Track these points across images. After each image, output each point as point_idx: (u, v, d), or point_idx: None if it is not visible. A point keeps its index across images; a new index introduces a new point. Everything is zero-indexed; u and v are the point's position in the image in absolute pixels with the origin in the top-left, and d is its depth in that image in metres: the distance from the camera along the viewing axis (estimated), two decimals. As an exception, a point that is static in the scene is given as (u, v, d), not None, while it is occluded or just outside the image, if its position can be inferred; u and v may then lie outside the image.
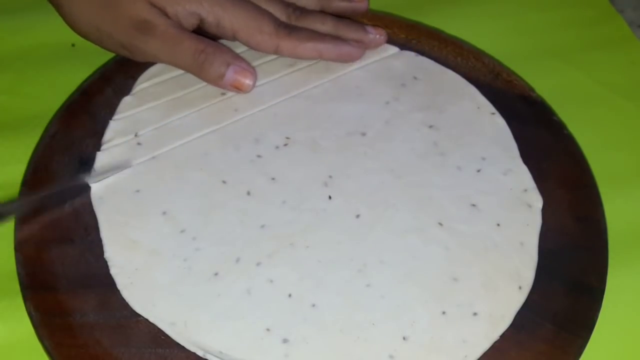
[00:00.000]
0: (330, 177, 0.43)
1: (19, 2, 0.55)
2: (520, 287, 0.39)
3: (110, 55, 0.50)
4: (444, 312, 0.38)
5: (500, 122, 0.46)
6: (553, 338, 0.38)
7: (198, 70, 0.45)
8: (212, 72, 0.45)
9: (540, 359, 0.37)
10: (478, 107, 0.47)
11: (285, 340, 0.37)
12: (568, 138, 0.46)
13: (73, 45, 0.52)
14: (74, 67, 0.50)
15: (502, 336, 0.38)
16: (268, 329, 0.37)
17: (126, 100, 0.46)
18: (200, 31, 0.46)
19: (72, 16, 0.46)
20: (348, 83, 0.47)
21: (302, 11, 0.48)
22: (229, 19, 0.45)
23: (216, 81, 0.45)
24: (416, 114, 0.46)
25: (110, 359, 0.36)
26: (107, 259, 0.39)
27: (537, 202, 0.43)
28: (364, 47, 0.48)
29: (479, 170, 0.44)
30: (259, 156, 0.43)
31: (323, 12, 0.49)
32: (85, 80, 0.48)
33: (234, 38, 0.46)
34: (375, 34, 0.48)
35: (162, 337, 0.37)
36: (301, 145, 0.44)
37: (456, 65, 0.50)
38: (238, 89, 0.45)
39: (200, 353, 0.36)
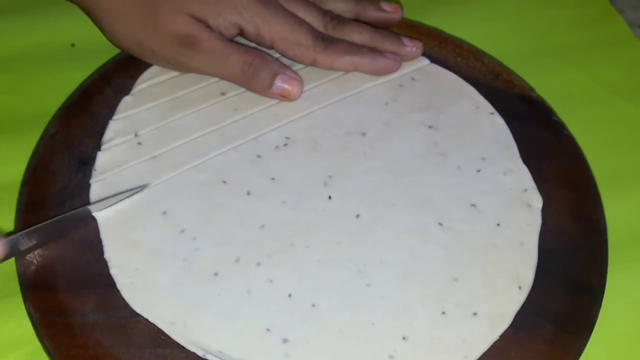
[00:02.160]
0: (330, 177, 0.43)
1: (19, 2, 0.55)
2: (520, 287, 0.39)
3: (110, 55, 0.50)
4: (444, 312, 0.38)
5: (499, 122, 0.46)
6: (553, 338, 0.38)
7: (246, 83, 0.45)
8: (260, 83, 0.45)
9: (540, 359, 0.37)
10: (477, 107, 0.47)
11: (285, 340, 0.37)
12: (568, 138, 0.46)
13: (73, 45, 0.53)
14: (74, 67, 0.50)
15: (502, 336, 0.38)
16: (268, 329, 0.37)
17: (126, 100, 0.46)
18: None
19: (112, 31, 0.46)
20: (347, 83, 0.47)
21: (339, 21, 0.48)
22: (268, 30, 0.45)
23: (264, 91, 0.45)
24: (415, 114, 0.46)
25: (110, 359, 0.36)
26: (107, 259, 0.39)
27: (537, 202, 0.43)
28: (400, 59, 0.48)
29: (478, 170, 0.44)
30: (258, 156, 0.43)
31: (360, 22, 0.49)
32: (85, 80, 0.48)
33: (271, 48, 0.46)
34: (411, 47, 0.48)
35: (162, 337, 0.37)
36: (301, 145, 0.44)
37: (456, 65, 0.50)
38: (285, 97, 0.45)
39: (200, 353, 0.36)
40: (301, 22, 0.46)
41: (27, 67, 0.51)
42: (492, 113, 0.47)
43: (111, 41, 0.47)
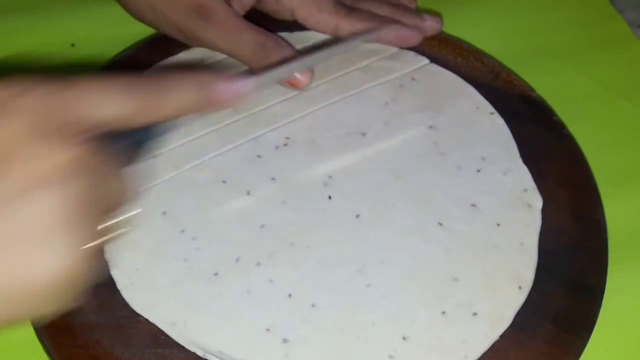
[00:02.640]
0: (330, 177, 0.43)
1: (19, 2, 0.55)
2: (520, 287, 0.39)
3: (110, 55, 0.50)
4: (444, 312, 0.38)
5: (499, 122, 0.46)
6: (553, 338, 0.38)
7: (256, 64, 0.44)
8: (271, 66, 0.43)
9: (540, 359, 0.37)
10: (477, 107, 0.47)
11: (285, 340, 0.37)
12: (568, 138, 0.46)
13: (73, 45, 0.53)
14: (74, 67, 0.50)
15: (502, 336, 0.37)
16: (268, 329, 0.37)
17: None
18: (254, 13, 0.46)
19: (133, 2, 0.45)
20: (347, 83, 0.47)
21: None
22: None
23: None
24: (415, 114, 0.46)
25: (110, 359, 0.36)
26: (107, 259, 0.39)
27: (537, 202, 0.43)
28: (421, 31, 0.48)
29: (479, 170, 0.44)
30: (258, 156, 0.43)
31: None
32: (85, 80, 0.48)
33: (292, 16, 0.45)
34: (432, 21, 0.48)
35: (162, 337, 0.37)
36: (301, 145, 0.44)
37: (456, 65, 0.50)
38: (294, 86, 0.44)
39: (200, 353, 0.36)
40: None
41: (27, 67, 0.51)
42: (492, 113, 0.47)
43: (125, 7, 0.46)
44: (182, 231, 0.40)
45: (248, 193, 0.42)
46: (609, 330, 0.39)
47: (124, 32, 0.51)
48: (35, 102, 0.26)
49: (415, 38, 0.47)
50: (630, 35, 0.56)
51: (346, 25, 0.45)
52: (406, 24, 0.47)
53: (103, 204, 0.28)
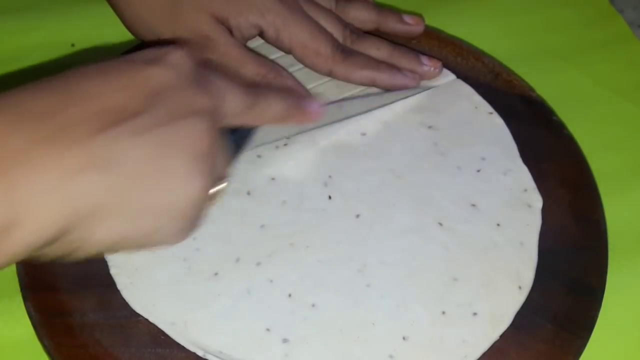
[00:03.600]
0: (330, 177, 0.43)
1: (19, 2, 0.55)
2: (520, 287, 0.39)
3: (110, 55, 0.50)
4: (444, 312, 0.38)
5: (498, 121, 0.46)
6: (553, 338, 0.38)
7: None
8: None
9: (540, 359, 0.37)
10: (475, 107, 0.47)
11: (285, 340, 0.37)
12: (568, 138, 0.46)
13: (73, 45, 0.53)
14: (74, 67, 0.50)
15: (502, 336, 0.38)
16: (268, 329, 0.37)
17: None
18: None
19: (131, 21, 0.46)
20: (347, 83, 0.47)
21: (359, 35, 0.47)
22: (288, 35, 0.45)
23: None
24: (415, 114, 0.46)
25: (110, 359, 0.36)
26: (107, 259, 0.39)
27: (537, 202, 0.43)
28: (418, 77, 0.47)
29: (478, 170, 0.44)
30: (258, 156, 0.43)
31: (379, 37, 0.48)
32: (85, 80, 0.48)
33: (289, 52, 0.46)
34: (429, 66, 0.48)
35: (162, 337, 0.37)
36: (301, 145, 0.44)
37: (456, 65, 0.50)
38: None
39: (200, 353, 0.36)
40: (322, 30, 0.46)
41: (27, 67, 0.51)
42: (491, 113, 0.47)
43: (130, 31, 0.46)
44: (182, 231, 0.40)
45: (248, 193, 0.42)
46: (609, 330, 0.39)
47: (124, 32, 0.51)
48: (179, 59, 0.32)
49: (411, 85, 0.47)
50: (630, 35, 0.56)
51: (341, 71, 0.46)
52: (404, 68, 0.47)
53: (220, 165, 0.33)
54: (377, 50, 0.47)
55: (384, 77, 0.46)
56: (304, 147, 0.44)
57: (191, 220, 0.32)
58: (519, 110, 0.48)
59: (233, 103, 0.33)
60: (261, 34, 0.45)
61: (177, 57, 0.32)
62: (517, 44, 0.54)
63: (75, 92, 0.30)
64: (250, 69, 0.44)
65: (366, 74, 0.46)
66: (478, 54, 0.50)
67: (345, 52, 0.46)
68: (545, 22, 0.56)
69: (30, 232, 0.26)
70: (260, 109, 0.35)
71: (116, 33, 0.52)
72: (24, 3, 0.55)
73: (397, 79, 0.47)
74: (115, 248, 0.30)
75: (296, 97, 0.40)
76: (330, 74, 0.46)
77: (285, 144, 0.44)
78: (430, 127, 0.46)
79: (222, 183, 0.34)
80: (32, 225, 0.26)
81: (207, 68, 0.33)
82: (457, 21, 0.54)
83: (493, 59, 0.50)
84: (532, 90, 0.49)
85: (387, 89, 0.47)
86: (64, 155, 0.27)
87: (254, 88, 0.35)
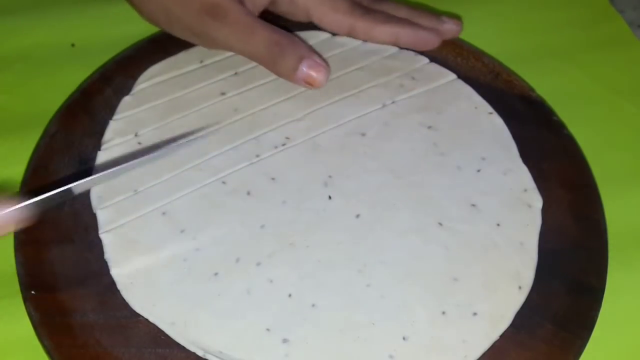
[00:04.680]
0: (330, 177, 0.43)
1: (19, 2, 0.55)
2: (520, 287, 0.39)
3: (110, 55, 0.50)
4: (444, 312, 0.38)
5: (498, 121, 0.46)
6: (553, 338, 0.38)
7: (271, 63, 0.43)
8: (285, 65, 0.43)
9: (540, 359, 0.37)
10: (475, 107, 0.47)
11: (285, 340, 0.37)
12: (568, 138, 0.46)
13: (73, 45, 0.53)
14: (74, 67, 0.50)
15: (502, 336, 0.38)
16: (268, 329, 0.37)
17: (126, 100, 0.46)
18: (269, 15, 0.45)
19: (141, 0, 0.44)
20: (347, 83, 0.47)
21: None
22: None
23: (289, 75, 0.43)
24: (414, 114, 0.46)
25: (110, 359, 0.36)
26: (107, 259, 0.39)
27: (537, 202, 0.43)
28: (440, 34, 0.46)
29: (478, 170, 0.44)
30: (258, 156, 0.43)
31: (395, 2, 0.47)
32: (85, 80, 0.48)
33: (306, 17, 0.44)
34: (451, 24, 0.47)
35: (162, 337, 0.37)
36: (301, 145, 0.44)
37: (456, 65, 0.50)
38: (310, 84, 0.43)
39: (200, 353, 0.36)
40: None
41: (27, 67, 0.51)
42: (491, 113, 0.47)
43: (138, 10, 0.46)
44: (182, 231, 0.40)
45: (248, 193, 0.42)
46: (609, 330, 0.39)
47: (124, 32, 0.51)
48: None
49: (433, 41, 0.46)
50: (630, 35, 0.56)
51: (362, 26, 0.44)
52: (424, 26, 0.46)
53: None
54: (396, 9, 0.46)
55: (408, 32, 0.45)
56: (304, 147, 0.44)
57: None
58: (519, 110, 0.48)
59: None
60: (273, 4, 0.44)
61: None
62: (517, 44, 0.54)
63: None
64: (262, 36, 0.43)
65: (388, 29, 0.45)
66: (478, 54, 0.50)
67: (364, 8, 0.44)
68: (545, 22, 0.56)
69: None
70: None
71: (116, 33, 0.52)
72: (24, 3, 0.55)
73: (420, 34, 0.45)
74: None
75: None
76: (350, 32, 0.44)
77: (284, 144, 0.44)
78: (430, 127, 0.46)
79: None
80: None
81: None
82: (457, 21, 0.54)
83: (493, 59, 0.50)
84: (532, 90, 0.49)
85: (409, 47, 0.45)
86: None
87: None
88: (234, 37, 0.43)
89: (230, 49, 0.45)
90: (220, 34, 0.43)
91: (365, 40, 0.45)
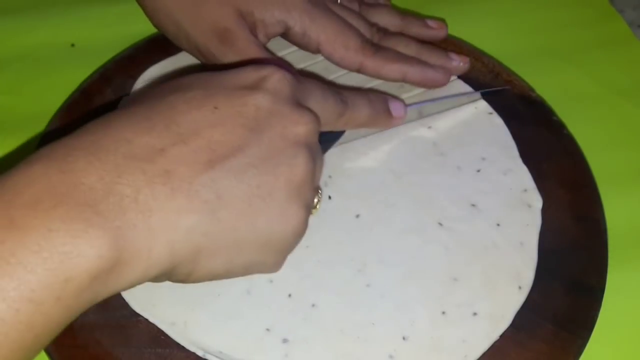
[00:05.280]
0: (330, 177, 0.43)
1: (19, 2, 0.55)
2: (520, 287, 0.39)
3: (110, 55, 0.50)
4: (444, 312, 0.38)
5: (498, 121, 0.46)
6: (553, 338, 0.38)
7: None
8: None
9: (540, 359, 0.37)
10: (475, 108, 0.47)
11: (285, 340, 0.37)
12: (568, 138, 0.46)
13: (73, 45, 0.53)
14: (74, 67, 0.50)
15: (502, 336, 0.37)
16: (268, 329, 0.37)
17: (126, 100, 0.46)
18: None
19: (154, 7, 0.45)
20: (346, 84, 0.47)
21: (386, 33, 0.47)
22: (315, 30, 0.44)
23: None
24: (414, 114, 0.46)
25: (110, 359, 0.36)
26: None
27: (537, 202, 0.43)
28: (449, 72, 0.47)
29: (478, 170, 0.44)
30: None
31: (406, 35, 0.48)
32: (85, 80, 0.48)
33: (317, 50, 0.45)
34: (458, 61, 0.47)
35: (162, 337, 0.37)
36: (301, 145, 0.44)
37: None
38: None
39: (200, 353, 0.36)
40: (350, 25, 0.45)
41: (27, 67, 0.51)
42: (491, 113, 0.47)
43: (150, 19, 0.46)
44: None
45: (248, 193, 0.42)
46: (609, 330, 0.39)
47: (124, 32, 0.51)
48: (278, 83, 0.32)
49: (441, 79, 0.46)
50: (630, 35, 0.56)
51: (371, 65, 0.45)
52: (433, 64, 0.46)
53: (316, 182, 0.34)
54: (406, 46, 0.46)
55: (416, 71, 0.45)
56: (304, 147, 0.44)
57: (290, 250, 0.33)
58: (519, 110, 0.48)
59: (327, 112, 0.34)
60: (287, 32, 0.44)
61: (277, 81, 0.32)
62: (517, 44, 0.54)
63: (174, 128, 0.29)
64: None
65: (397, 67, 0.45)
66: (478, 54, 0.50)
67: (374, 46, 0.45)
68: (545, 22, 0.56)
69: (137, 271, 0.28)
70: (350, 115, 0.36)
71: (116, 33, 0.52)
72: (24, 3, 0.55)
73: (428, 73, 0.46)
74: (221, 277, 0.32)
75: (381, 99, 0.41)
76: (360, 69, 0.45)
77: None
78: (429, 127, 0.46)
79: (318, 195, 0.35)
80: (139, 265, 0.28)
81: (302, 80, 0.33)
82: (457, 21, 0.54)
83: (493, 59, 0.50)
84: (532, 90, 0.49)
85: (418, 85, 0.46)
86: (168, 198, 0.28)
87: (341, 93, 0.36)
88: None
89: None
90: (224, 59, 0.44)
91: (374, 77, 0.46)
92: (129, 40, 0.51)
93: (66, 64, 0.51)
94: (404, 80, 0.46)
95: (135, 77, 0.47)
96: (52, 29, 0.53)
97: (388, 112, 0.41)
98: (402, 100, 0.43)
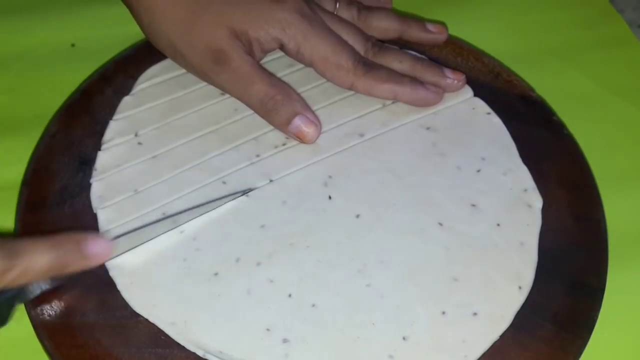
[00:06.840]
0: (330, 177, 0.43)
1: (19, 2, 0.55)
2: (520, 287, 0.39)
3: (110, 55, 0.50)
4: (444, 312, 0.38)
5: (496, 121, 0.46)
6: (553, 338, 0.38)
7: (264, 115, 0.44)
8: (278, 119, 0.44)
9: (540, 359, 0.37)
10: (473, 108, 0.47)
11: (285, 340, 0.37)
12: (568, 138, 0.46)
13: (73, 45, 0.53)
14: (74, 67, 0.50)
15: (502, 336, 0.38)
16: (268, 329, 0.37)
17: (126, 100, 0.46)
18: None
19: (150, 29, 0.45)
20: (338, 89, 0.47)
21: (381, 47, 0.47)
22: (309, 48, 0.44)
23: (281, 127, 0.44)
24: (413, 115, 0.46)
25: (110, 359, 0.36)
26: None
27: (537, 202, 0.43)
28: (442, 91, 0.47)
29: (478, 170, 0.44)
30: (258, 156, 0.43)
31: (401, 50, 0.48)
32: (85, 80, 0.48)
33: (310, 66, 0.45)
34: (453, 79, 0.47)
35: (162, 337, 0.37)
36: (300, 146, 0.44)
37: (456, 65, 0.50)
38: (300, 138, 0.44)
39: (200, 353, 0.36)
40: (344, 43, 0.45)
41: (27, 67, 0.51)
42: (489, 113, 0.47)
43: (148, 38, 0.46)
44: (182, 231, 0.40)
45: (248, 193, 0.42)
46: (609, 330, 0.39)
47: (124, 32, 0.51)
48: None
49: (434, 99, 0.46)
50: (630, 35, 0.56)
51: (362, 85, 0.45)
52: (427, 81, 0.46)
53: None
54: (400, 63, 0.46)
55: (407, 91, 0.45)
56: (304, 148, 0.44)
57: None
58: (519, 110, 0.48)
59: None
60: (281, 48, 0.45)
61: None
62: (517, 44, 0.54)
63: None
64: (259, 89, 0.43)
65: (388, 87, 0.45)
66: (478, 54, 0.50)
67: (367, 65, 0.45)
68: (545, 22, 0.56)
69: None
70: (20, 271, 0.32)
71: (116, 33, 0.52)
72: (24, 3, 0.55)
73: (419, 93, 0.46)
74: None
75: (74, 240, 0.34)
76: (351, 88, 0.46)
77: (284, 144, 0.44)
78: (428, 128, 0.46)
79: None
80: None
81: None
82: (457, 21, 0.54)
83: (493, 59, 0.50)
84: (532, 90, 0.49)
85: (409, 104, 0.46)
86: None
87: (10, 245, 0.32)
88: (231, 84, 0.44)
89: (227, 93, 0.46)
90: (219, 79, 0.44)
91: (365, 95, 0.46)
92: (129, 40, 0.51)
93: (66, 64, 0.51)
94: (395, 99, 0.46)
95: (135, 77, 0.47)
96: (52, 29, 0.53)
97: (80, 253, 0.34)
98: (105, 236, 0.39)
